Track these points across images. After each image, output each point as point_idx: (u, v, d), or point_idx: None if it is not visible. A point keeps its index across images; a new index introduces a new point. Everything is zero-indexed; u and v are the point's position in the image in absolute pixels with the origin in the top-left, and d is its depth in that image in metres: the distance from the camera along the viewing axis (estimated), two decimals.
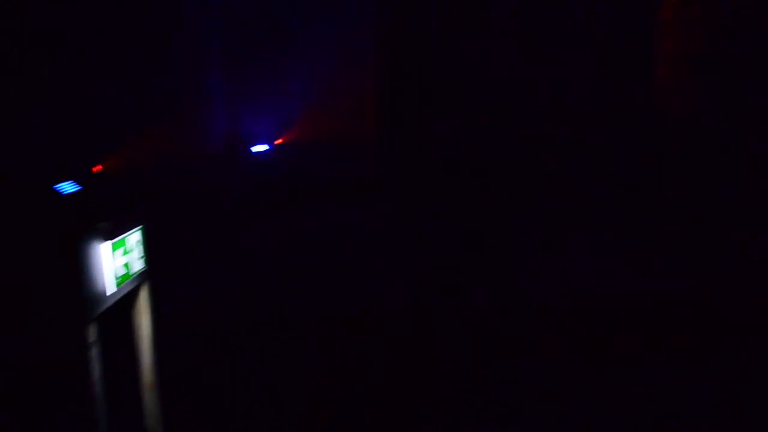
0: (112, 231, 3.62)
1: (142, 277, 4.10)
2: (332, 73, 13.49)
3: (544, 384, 5.82)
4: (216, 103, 13.12)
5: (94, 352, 3.57)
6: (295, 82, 13.55)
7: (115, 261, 3.66)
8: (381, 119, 11.03)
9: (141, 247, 4.02)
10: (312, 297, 8.10)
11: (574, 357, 6.31)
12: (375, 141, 11.52)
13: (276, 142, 13.46)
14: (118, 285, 3.69)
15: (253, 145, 13.13)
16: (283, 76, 13.49)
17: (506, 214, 8.94)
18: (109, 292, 3.63)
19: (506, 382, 5.88)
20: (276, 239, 11.08)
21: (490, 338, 6.77)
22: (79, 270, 3.38)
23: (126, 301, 4.18)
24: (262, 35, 13.31)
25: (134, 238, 3.91)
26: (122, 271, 3.74)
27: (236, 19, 13.23)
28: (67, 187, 7.09)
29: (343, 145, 13.33)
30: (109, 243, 3.60)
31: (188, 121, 11.55)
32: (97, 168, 9.13)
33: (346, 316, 7.40)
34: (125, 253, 3.78)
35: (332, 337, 6.93)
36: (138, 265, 3.97)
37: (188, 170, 10.88)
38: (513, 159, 11.78)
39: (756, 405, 5.36)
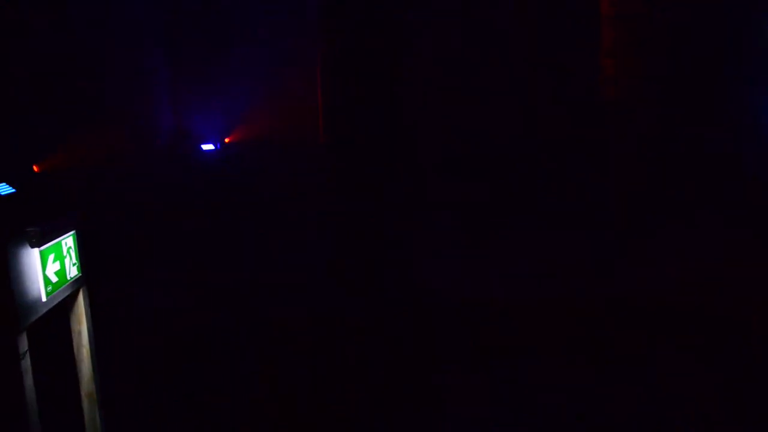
0: (44, 236, 3.48)
1: (78, 283, 3.96)
2: (283, 72, 13.33)
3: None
4: (162, 101, 12.80)
5: (26, 363, 3.43)
6: (245, 81, 13.34)
7: (48, 267, 3.53)
8: (325, 119, 10.97)
9: (75, 253, 3.89)
10: (261, 300, 8.04)
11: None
12: (322, 141, 11.46)
13: (226, 141, 13.25)
14: (50, 293, 3.55)
15: (202, 144, 12.88)
16: (232, 74, 13.26)
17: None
18: (42, 300, 3.50)
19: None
20: (221, 240, 10.95)
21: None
22: (8, 277, 3.24)
23: (64, 308, 4.05)
24: (209, 31, 13.04)
25: (68, 243, 3.78)
26: (55, 278, 3.61)
27: (182, 15, 12.94)
28: (2, 188, 6.78)
29: (293, 146, 13.22)
30: (40, 249, 3.46)
31: (134, 119, 11.23)
32: (37, 168, 8.78)
33: (296, 318, 7.38)
34: (58, 259, 3.65)
35: (282, 343, 6.88)
36: (73, 271, 3.84)
37: (132, 170, 10.60)
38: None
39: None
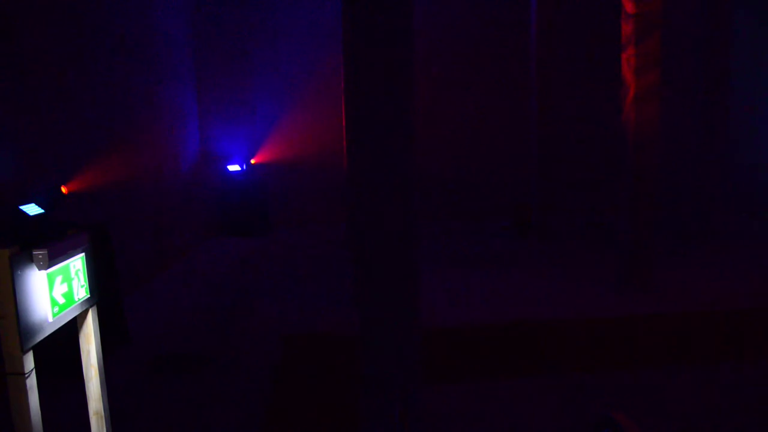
0: (51, 259, 3.61)
1: (88, 303, 4.08)
2: (309, 94, 13.57)
3: None
4: (190, 121, 13.14)
5: (32, 381, 3.54)
6: (271, 103, 13.61)
7: (55, 289, 3.65)
8: (349, 141, 11.12)
9: (84, 275, 4.01)
10: (271, 322, 8.13)
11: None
12: (345, 161, 11.57)
13: (252, 162, 13.49)
14: (57, 314, 3.67)
15: (228, 164, 13.14)
16: (259, 96, 13.55)
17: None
18: (48, 321, 3.62)
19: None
20: (244, 262, 11.06)
21: None
22: (14, 298, 3.36)
23: (74, 328, 4.18)
24: (235, 52, 13.40)
25: (77, 265, 3.91)
26: (62, 300, 3.73)
27: (209, 37, 13.31)
28: (31, 209, 7.03)
29: (319, 166, 13.39)
30: (48, 271, 3.59)
31: (162, 142, 11.55)
32: (66, 189, 9.07)
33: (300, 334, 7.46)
34: (66, 280, 3.77)
35: (288, 360, 6.94)
36: (81, 292, 3.96)
37: (157, 191, 10.87)
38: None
39: None
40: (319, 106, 13.52)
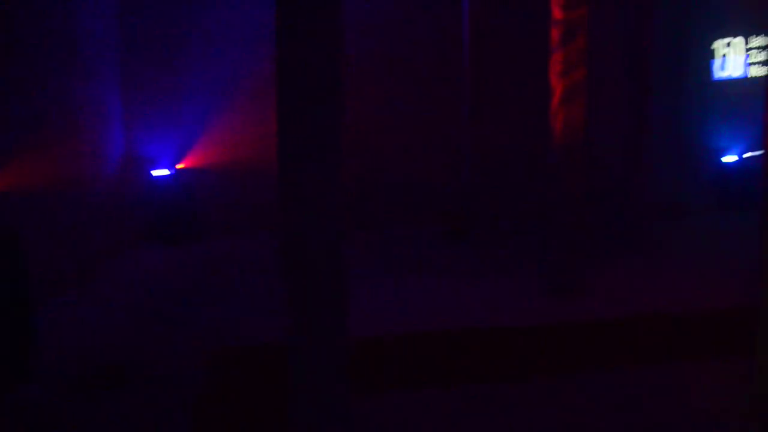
0: None
1: None
2: (242, 94, 13.14)
3: None
4: (113, 123, 12.47)
5: None
6: (204, 105, 13.07)
7: None
8: (280, 144, 10.75)
9: None
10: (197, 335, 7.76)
11: None
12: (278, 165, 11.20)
13: (179, 166, 12.90)
14: None
15: (155, 168, 12.54)
16: (190, 97, 13.00)
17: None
18: None
19: None
20: (166, 275, 10.58)
21: None
22: None
23: None
24: (163, 51, 12.79)
25: None
26: None
27: (136, 36, 12.69)
28: None
29: (252, 173, 12.95)
30: None
31: (81, 142, 10.87)
32: None
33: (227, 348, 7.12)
34: None
35: (217, 376, 6.57)
36: None
37: (76, 196, 10.22)
38: None
39: None
40: (252, 108, 13.09)
